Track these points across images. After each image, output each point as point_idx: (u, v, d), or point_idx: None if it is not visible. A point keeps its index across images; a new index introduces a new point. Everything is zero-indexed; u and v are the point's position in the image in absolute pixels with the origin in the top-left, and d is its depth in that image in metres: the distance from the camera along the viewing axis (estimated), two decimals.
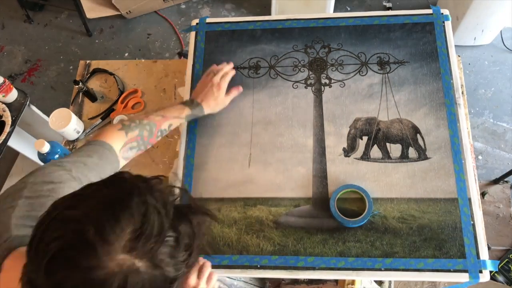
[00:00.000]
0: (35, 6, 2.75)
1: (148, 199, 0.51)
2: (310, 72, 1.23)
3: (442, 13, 1.25)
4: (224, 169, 1.14)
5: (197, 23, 1.33)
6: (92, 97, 1.37)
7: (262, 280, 1.83)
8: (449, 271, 0.98)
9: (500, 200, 1.99)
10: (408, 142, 1.12)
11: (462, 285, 1.00)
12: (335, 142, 1.14)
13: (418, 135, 1.12)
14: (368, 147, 1.13)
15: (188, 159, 1.15)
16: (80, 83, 1.32)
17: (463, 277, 0.97)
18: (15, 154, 2.22)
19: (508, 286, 1.81)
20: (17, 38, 2.70)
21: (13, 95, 1.57)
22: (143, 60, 1.45)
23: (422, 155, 1.10)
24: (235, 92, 1.17)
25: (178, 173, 1.13)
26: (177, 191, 0.58)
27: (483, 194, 2.01)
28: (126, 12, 2.59)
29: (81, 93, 1.38)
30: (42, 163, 1.18)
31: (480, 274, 0.97)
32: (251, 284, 1.70)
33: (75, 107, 1.39)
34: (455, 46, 1.22)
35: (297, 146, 1.14)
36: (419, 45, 1.22)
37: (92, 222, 0.47)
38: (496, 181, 2.02)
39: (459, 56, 1.28)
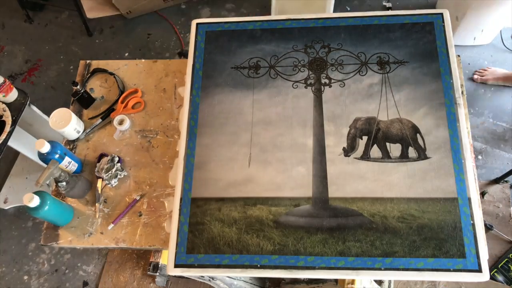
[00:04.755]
0: (35, 6, 2.75)
1: None
2: (310, 72, 1.23)
3: (442, 13, 1.25)
4: (224, 168, 1.14)
5: (197, 23, 1.33)
6: (88, 100, 1.37)
7: (262, 280, 1.83)
8: (449, 270, 0.98)
9: (499, 200, 1.99)
10: (408, 141, 1.12)
11: None
12: (335, 142, 1.14)
13: (418, 135, 1.12)
14: (368, 147, 1.13)
15: (188, 159, 1.16)
16: (78, 85, 1.32)
17: (463, 277, 0.98)
18: (15, 154, 2.22)
19: (507, 285, 1.81)
20: (17, 38, 2.70)
21: (13, 95, 1.57)
22: (143, 60, 1.46)
23: (422, 154, 1.10)
24: None
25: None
26: None
27: (482, 194, 2.01)
28: (126, 12, 2.59)
29: (75, 100, 1.37)
30: (42, 163, 1.18)
31: (479, 274, 0.97)
32: (251, 283, 1.71)
33: (75, 107, 1.39)
34: (455, 46, 1.22)
35: (297, 146, 1.15)
36: (419, 45, 1.22)
37: None
38: (495, 181, 2.02)
39: (458, 56, 1.29)
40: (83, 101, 1.37)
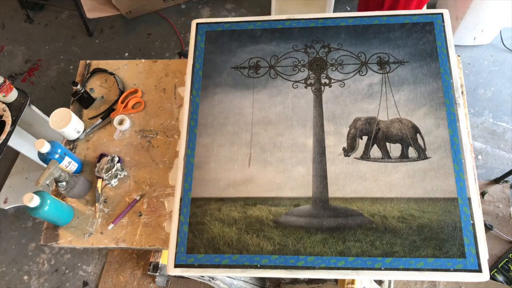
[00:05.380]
0: (35, 6, 2.75)
1: None
2: (310, 72, 1.23)
3: (442, 13, 1.25)
4: (224, 168, 1.14)
5: (197, 23, 1.33)
6: (88, 100, 1.37)
7: (262, 280, 1.83)
8: (449, 270, 0.98)
9: (499, 200, 1.99)
10: (408, 141, 1.12)
11: None
12: (335, 142, 1.14)
13: (418, 135, 1.12)
14: (368, 147, 1.13)
15: (188, 159, 1.16)
16: (78, 85, 1.32)
17: (463, 277, 0.98)
18: (15, 154, 2.22)
19: (507, 285, 1.81)
20: (17, 38, 2.70)
21: (13, 95, 1.57)
22: (143, 60, 1.46)
23: (422, 154, 1.10)
24: None
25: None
26: None
27: (482, 194, 2.01)
28: (126, 12, 2.59)
29: (75, 100, 1.37)
30: (42, 163, 1.18)
31: (479, 274, 0.97)
32: (251, 283, 1.71)
33: (75, 107, 1.39)
34: (455, 46, 1.22)
35: (297, 146, 1.15)
36: (419, 45, 1.22)
37: None
38: (495, 181, 2.02)
39: (458, 56, 1.29)
40: (83, 101, 1.37)
